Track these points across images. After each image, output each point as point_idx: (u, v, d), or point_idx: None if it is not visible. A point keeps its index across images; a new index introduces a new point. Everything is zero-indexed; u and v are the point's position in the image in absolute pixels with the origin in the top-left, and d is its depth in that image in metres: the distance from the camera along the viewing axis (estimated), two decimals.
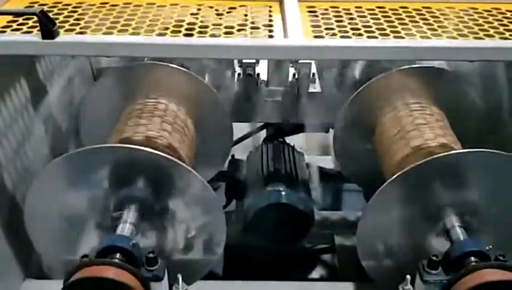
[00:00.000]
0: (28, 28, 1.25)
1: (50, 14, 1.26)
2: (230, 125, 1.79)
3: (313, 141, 2.67)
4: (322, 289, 1.68)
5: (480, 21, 1.32)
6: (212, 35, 1.25)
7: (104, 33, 1.25)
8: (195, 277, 1.43)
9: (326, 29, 1.28)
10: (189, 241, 1.41)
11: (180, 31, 1.26)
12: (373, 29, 1.27)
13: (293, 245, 1.80)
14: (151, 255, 1.23)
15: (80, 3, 1.40)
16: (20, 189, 1.58)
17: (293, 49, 1.22)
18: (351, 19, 1.34)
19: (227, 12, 1.38)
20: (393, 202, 1.36)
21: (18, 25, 1.26)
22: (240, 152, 2.03)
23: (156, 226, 1.40)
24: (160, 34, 1.25)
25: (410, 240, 1.39)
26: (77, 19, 1.31)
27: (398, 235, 1.39)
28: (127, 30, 1.26)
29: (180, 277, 1.29)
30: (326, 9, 1.39)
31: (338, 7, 1.40)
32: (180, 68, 1.65)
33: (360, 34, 1.25)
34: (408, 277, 1.27)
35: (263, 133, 2.12)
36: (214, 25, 1.30)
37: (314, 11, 1.38)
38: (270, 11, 1.40)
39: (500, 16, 1.35)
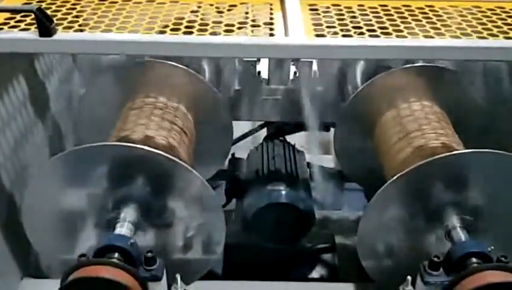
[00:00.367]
0: (26, 25, 1.23)
1: (48, 11, 1.25)
2: (230, 123, 1.77)
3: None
4: None
5: (484, 20, 1.31)
6: (213, 33, 1.23)
7: (103, 31, 1.23)
8: (194, 277, 1.43)
9: (327, 27, 1.27)
10: (189, 240, 1.41)
11: (179, 29, 1.25)
12: (375, 27, 1.26)
13: (293, 245, 1.79)
14: (149, 254, 1.22)
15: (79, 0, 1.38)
16: (18, 187, 1.57)
17: (294, 48, 1.21)
18: (353, 17, 1.32)
19: (228, 10, 1.37)
20: (395, 202, 1.35)
21: (16, 22, 1.25)
22: (240, 151, 2.02)
23: (155, 225, 1.39)
24: (159, 32, 1.23)
25: (411, 241, 1.38)
26: (76, 16, 1.30)
27: (399, 235, 1.38)
28: (126, 28, 1.25)
29: (178, 276, 1.28)
30: (328, 7, 1.37)
31: (340, 5, 1.39)
32: (180, 66, 1.64)
33: (362, 33, 1.24)
34: (409, 277, 1.26)
35: (264, 132, 2.11)
36: (214, 22, 1.28)
37: (316, 9, 1.37)
38: (271, 8, 1.39)
39: (504, 15, 1.34)
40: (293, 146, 1.96)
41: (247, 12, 1.37)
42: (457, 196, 1.34)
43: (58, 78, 1.95)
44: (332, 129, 1.89)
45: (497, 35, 1.23)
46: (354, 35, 1.23)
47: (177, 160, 1.34)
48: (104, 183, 1.35)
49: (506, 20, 1.31)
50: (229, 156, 1.94)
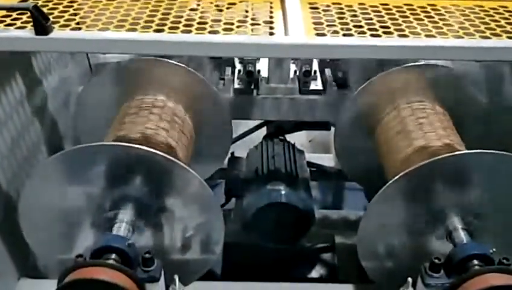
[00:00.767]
0: (22, 23, 1.21)
1: (45, 9, 1.24)
2: (229, 122, 1.76)
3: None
4: None
5: (487, 19, 1.29)
6: (212, 32, 1.22)
7: (100, 29, 1.21)
8: (193, 277, 1.42)
9: (328, 26, 1.25)
10: (187, 240, 1.40)
11: (178, 28, 1.23)
12: (376, 26, 1.24)
13: (292, 245, 1.78)
14: (147, 255, 1.21)
15: None
16: (15, 187, 1.56)
17: (294, 48, 1.19)
18: (354, 16, 1.30)
19: (227, 8, 1.35)
20: (396, 202, 1.34)
21: (12, 20, 1.23)
22: (240, 150, 2.01)
23: (153, 226, 1.38)
24: (157, 31, 1.21)
25: (412, 242, 1.37)
26: (73, 14, 1.28)
27: (399, 236, 1.37)
28: (123, 26, 1.23)
29: (177, 277, 1.27)
30: (328, 6, 1.36)
31: (340, 3, 1.37)
32: (179, 64, 1.63)
33: (363, 32, 1.22)
34: (409, 279, 1.25)
35: (263, 131, 2.10)
36: (213, 21, 1.27)
37: (316, 8, 1.35)
38: (271, 7, 1.37)
39: (506, 14, 1.32)
40: (293, 145, 1.94)
41: (246, 11, 1.35)
42: (458, 196, 1.33)
43: (56, 75, 1.94)
44: (332, 128, 1.88)
45: (500, 35, 1.21)
46: (355, 35, 1.21)
47: (175, 160, 1.33)
48: (102, 183, 1.34)
49: (509, 19, 1.30)
50: (229, 155, 1.93)
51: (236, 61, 1.99)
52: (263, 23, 1.28)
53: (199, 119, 1.69)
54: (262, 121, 2.09)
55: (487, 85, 1.80)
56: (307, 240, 1.91)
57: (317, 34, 1.21)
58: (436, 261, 1.21)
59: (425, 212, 1.34)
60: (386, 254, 1.39)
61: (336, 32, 1.22)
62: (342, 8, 1.35)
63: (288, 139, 2.00)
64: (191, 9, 1.33)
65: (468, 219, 1.33)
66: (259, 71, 1.92)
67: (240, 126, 2.10)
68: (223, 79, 1.94)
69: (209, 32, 1.22)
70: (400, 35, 1.21)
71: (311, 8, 1.35)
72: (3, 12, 1.25)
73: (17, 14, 1.24)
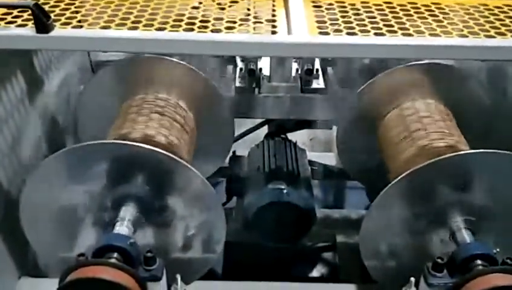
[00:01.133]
0: (23, 20, 1.21)
1: (46, 7, 1.22)
2: (231, 120, 1.76)
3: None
4: None
5: (491, 18, 1.28)
6: (214, 30, 1.21)
7: (102, 27, 1.20)
8: (194, 276, 1.41)
9: (331, 24, 1.24)
10: (189, 239, 1.39)
11: (180, 26, 1.22)
12: (380, 25, 1.23)
13: (294, 244, 1.78)
14: (149, 254, 1.21)
15: None
16: (15, 185, 1.55)
17: (297, 47, 1.18)
18: (357, 14, 1.29)
19: (229, 6, 1.34)
20: (399, 202, 1.34)
21: (12, 17, 1.22)
22: (241, 148, 2.00)
23: (155, 224, 1.37)
24: (159, 29, 1.21)
25: (414, 242, 1.37)
26: (74, 12, 1.27)
27: (402, 236, 1.37)
28: (125, 24, 1.22)
29: (179, 276, 1.26)
30: (332, 4, 1.35)
31: (344, 2, 1.36)
32: (181, 62, 1.62)
33: (367, 31, 1.21)
34: (412, 279, 1.25)
35: (265, 129, 2.09)
36: (215, 19, 1.26)
37: (319, 6, 1.34)
38: (273, 5, 1.36)
39: (511, 13, 1.31)
40: (295, 144, 1.94)
41: (249, 9, 1.34)
42: (462, 196, 1.33)
43: (57, 73, 1.93)
44: (334, 127, 1.88)
45: (505, 34, 1.20)
46: (359, 33, 1.20)
47: (177, 158, 1.32)
48: (103, 181, 1.33)
49: None
50: (230, 154, 1.92)
51: (238, 59, 1.98)
52: (265, 21, 1.27)
53: (201, 117, 1.69)
54: (263, 119, 2.09)
55: (491, 84, 1.79)
56: (308, 239, 1.91)
57: (321, 33, 1.20)
58: (439, 261, 1.21)
59: (428, 211, 1.34)
60: (389, 254, 1.39)
61: (339, 30, 1.21)
62: (345, 7, 1.34)
63: (289, 137, 1.99)
64: (193, 8, 1.32)
65: (471, 218, 1.32)
66: (261, 69, 1.91)
67: (242, 125, 2.09)
68: (225, 77, 1.94)
69: (211, 30, 1.21)
70: (404, 34, 1.20)
71: (314, 6, 1.34)
72: (4, 10, 1.24)
73: (18, 12, 1.23)
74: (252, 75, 1.90)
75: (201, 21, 1.25)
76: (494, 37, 1.20)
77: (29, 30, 1.16)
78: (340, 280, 1.83)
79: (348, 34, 1.20)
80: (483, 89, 1.67)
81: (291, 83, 1.89)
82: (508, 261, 1.17)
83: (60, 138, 1.92)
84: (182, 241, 1.40)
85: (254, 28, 1.23)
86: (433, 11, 1.31)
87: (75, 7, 1.29)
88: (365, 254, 1.39)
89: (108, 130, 1.54)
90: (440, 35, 1.20)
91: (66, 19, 1.23)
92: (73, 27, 1.20)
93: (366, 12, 1.30)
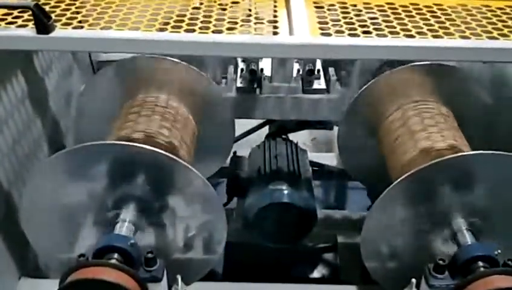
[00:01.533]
0: (24, 21, 1.20)
1: (46, 7, 1.22)
2: (232, 121, 1.75)
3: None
4: None
5: (494, 19, 1.27)
6: (215, 31, 1.20)
7: (102, 28, 1.20)
8: (195, 277, 1.41)
9: (333, 25, 1.23)
10: (189, 240, 1.39)
11: (181, 26, 1.21)
12: (382, 26, 1.22)
13: (295, 245, 1.77)
14: (150, 255, 1.21)
15: None
16: (16, 186, 1.55)
17: (299, 48, 1.17)
18: (359, 15, 1.29)
19: (231, 7, 1.34)
20: (400, 203, 1.33)
21: (13, 18, 1.21)
22: (242, 149, 2.00)
23: (156, 225, 1.37)
24: (160, 30, 1.20)
25: (416, 243, 1.36)
26: (75, 12, 1.26)
27: (403, 237, 1.36)
28: (126, 25, 1.21)
29: (179, 277, 1.26)
30: (333, 5, 1.34)
31: (345, 2, 1.35)
32: (182, 63, 1.61)
33: (369, 32, 1.20)
34: (413, 280, 1.25)
35: (266, 130, 2.09)
36: (216, 20, 1.25)
37: (321, 6, 1.33)
38: (275, 5, 1.35)
39: None
40: (296, 144, 1.93)
41: (250, 10, 1.34)
42: (463, 197, 1.32)
43: (58, 73, 1.93)
44: (336, 127, 1.88)
45: (508, 35, 1.20)
46: (361, 35, 1.19)
47: (178, 159, 1.32)
48: (104, 182, 1.33)
49: None
50: (231, 154, 1.92)
51: (239, 60, 1.98)
52: (267, 22, 1.27)
53: (202, 118, 1.68)
54: (264, 120, 2.08)
55: (492, 85, 1.78)
56: (309, 240, 1.91)
57: (322, 34, 1.20)
58: (441, 262, 1.20)
59: (430, 213, 1.33)
60: (390, 255, 1.38)
61: (341, 32, 1.21)
62: (347, 7, 1.33)
63: (290, 138, 1.99)
64: (194, 8, 1.32)
65: (473, 220, 1.32)
66: (262, 70, 1.90)
67: (243, 125, 2.09)
68: (226, 78, 1.93)
69: (213, 31, 1.20)
70: (406, 36, 1.19)
71: (316, 7, 1.33)
72: (4, 11, 1.23)
73: (19, 13, 1.22)
74: (253, 75, 1.89)
75: (202, 22, 1.24)
76: (496, 38, 1.19)
77: (30, 31, 1.15)
78: (341, 281, 1.83)
79: (349, 35, 1.19)
80: (485, 90, 1.67)
81: (293, 84, 1.89)
82: (510, 263, 1.17)
83: (60, 138, 1.91)
84: (183, 242, 1.39)
85: (255, 29, 1.23)
86: (435, 12, 1.30)
87: (76, 8, 1.29)
88: (366, 255, 1.39)
89: (108, 131, 1.53)
90: (442, 37, 1.19)
91: (67, 19, 1.23)
92: (74, 28, 1.20)
93: (368, 13, 1.30)
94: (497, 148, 1.29)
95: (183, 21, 1.24)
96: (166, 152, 1.31)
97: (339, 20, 1.26)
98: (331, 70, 1.95)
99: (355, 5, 1.34)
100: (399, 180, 1.30)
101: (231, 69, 1.95)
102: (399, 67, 1.61)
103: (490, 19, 1.28)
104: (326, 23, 1.24)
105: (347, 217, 2.05)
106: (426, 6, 1.33)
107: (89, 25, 1.21)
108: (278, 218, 1.66)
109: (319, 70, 1.92)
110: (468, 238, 1.29)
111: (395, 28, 1.22)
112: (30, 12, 1.14)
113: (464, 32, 1.22)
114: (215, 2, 1.35)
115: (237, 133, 1.86)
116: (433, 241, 1.35)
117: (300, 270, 1.99)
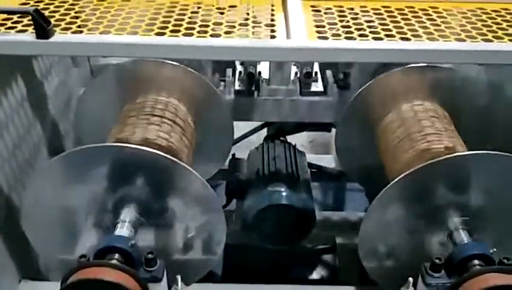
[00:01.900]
0: (23, 26, 1.21)
1: (46, 12, 1.23)
2: (231, 123, 1.76)
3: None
4: None
5: (489, 22, 1.29)
6: (213, 35, 1.22)
7: (101, 32, 1.21)
8: (194, 277, 1.42)
9: (330, 29, 1.25)
10: (189, 241, 1.40)
11: (179, 31, 1.23)
12: (378, 29, 1.24)
13: (293, 246, 1.78)
14: (150, 255, 1.22)
15: (77, 0, 1.37)
16: (16, 189, 1.56)
17: (296, 51, 1.18)
18: (356, 18, 1.30)
19: (228, 11, 1.35)
20: (397, 203, 1.34)
21: (13, 23, 1.22)
22: (241, 151, 2.01)
23: (156, 226, 1.38)
24: (159, 34, 1.21)
25: (413, 242, 1.37)
26: (74, 17, 1.28)
27: (400, 237, 1.37)
28: (125, 29, 1.23)
29: (179, 277, 1.27)
30: (330, 8, 1.36)
31: (342, 6, 1.37)
32: (180, 66, 1.63)
33: (365, 35, 1.22)
34: (410, 279, 1.26)
35: (264, 132, 2.10)
36: (214, 24, 1.27)
37: (318, 10, 1.35)
38: (272, 9, 1.37)
39: (508, 17, 1.31)
40: (294, 146, 1.94)
41: (248, 13, 1.35)
42: (459, 197, 1.34)
43: (57, 77, 1.93)
44: (333, 129, 1.89)
45: (503, 38, 1.21)
46: (357, 38, 1.21)
47: (178, 161, 1.33)
48: (104, 184, 1.34)
49: (511, 22, 1.30)
50: (230, 157, 1.93)
51: (237, 62, 1.99)
52: (265, 26, 1.28)
53: (201, 120, 1.69)
54: (263, 122, 2.09)
55: (488, 86, 1.79)
56: (308, 242, 1.91)
57: (319, 37, 1.21)
58: (437, 261, 1.22)
59: (426, 212, 1.35)
60: (388, 255, 1.39)
61: (338, 35, 1.22)
62: (343, 11, 1.34)
63: (289, 140, 2.00)
64: (193, 12, 1.33)
65: (468, 219, 1.33)
66: (260, 73, 1.92)
67: (241, 128, 2.10)
68: (224, 80, 1.95)
69: (211, 35, 1.21)
70: (402, 39, 1.20)
71: (313, 10, 1.35)
72: (4, 16, 1.24)
73: (18, 18, 1.23)
74: (251, 78, 1.91)
75: (200, 26, 1.25)
76: (491, 41, 1.20)
77: (30, 36, 1.16)
78: (339, 282, 1.83)
79: (346, 38, 1.21)
80: (481, 91, 1.69)
81: (290, 86, 1.90)
82: (505, 261, 1.18)
83: (60, 141, 1.92)
84: (183, 243, 1.40)
85: (253, 33, 1.24)
86: (431, 15, 1.32)
87: (75, 12, 1.30)
88: (364, 254, 1.40)
89: (108, 133, 1.55)
90: (438, 40, 1.21)
91: (66, 24, 1.24)
92: (73, 32, 1.21)
93: (365, 16, 1.31)
94: (493, 148, 1.31)
95: (181, 25, 1.25)
96: (166, 154, 1.32)
97: (336, 24, 1.27)
98: (329, 72, 1.96)
99: (352, 9, 1.35)
100: (396, 180, 1.31)
101: (229, 72, 1.96)
102: (395, 68, 1.62)
103: (485, 21, 1.29)
104: (323, 26, 1.26)
105: (345, 219, 2.06)
106: (422, 10, 1.34)
107: (88, 30, 1.23)
108: (276, 220, 1.66)
109: (316, 73, 1.93)
110: (464, 237, 1.30)
111: (391, 31, 1.24)
112: (30, 17, 1.15)
113: (459, 34, 1.23)
114: (213, 6, 1.36)
115: (236, 135, 1.87)
116: (429, 241, 1.36)
117: (299, 271, 1.99)
